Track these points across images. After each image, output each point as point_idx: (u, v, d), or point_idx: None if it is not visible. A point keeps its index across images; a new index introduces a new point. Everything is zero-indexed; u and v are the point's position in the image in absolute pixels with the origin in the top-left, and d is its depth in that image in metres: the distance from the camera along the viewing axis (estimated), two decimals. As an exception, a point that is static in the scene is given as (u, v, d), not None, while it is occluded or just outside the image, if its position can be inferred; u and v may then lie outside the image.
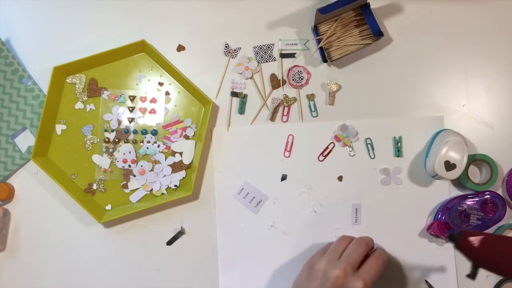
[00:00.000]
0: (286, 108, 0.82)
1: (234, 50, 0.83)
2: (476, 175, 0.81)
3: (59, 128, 0.82)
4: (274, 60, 0.83)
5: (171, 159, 0.81)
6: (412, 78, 0.82)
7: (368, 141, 0.81)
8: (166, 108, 0.82)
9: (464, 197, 0.78)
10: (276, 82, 0.82)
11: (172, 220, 0.82)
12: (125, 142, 0.81)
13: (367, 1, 0.78)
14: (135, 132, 0.82)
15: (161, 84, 0.82)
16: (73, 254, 0.82)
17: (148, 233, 0.82)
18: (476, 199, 0.78)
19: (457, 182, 0.81)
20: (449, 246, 0.80)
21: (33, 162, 0.78)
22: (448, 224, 0.77)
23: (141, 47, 0.81)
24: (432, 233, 0.78)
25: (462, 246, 0.60)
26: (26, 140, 0.82)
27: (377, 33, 0.77)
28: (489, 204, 0.77)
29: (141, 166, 0.81)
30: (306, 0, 0.83)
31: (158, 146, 0.81)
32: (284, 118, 0.82)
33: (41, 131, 0.79)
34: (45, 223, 0.82)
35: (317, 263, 0.67)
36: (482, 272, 0.79)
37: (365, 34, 0.80)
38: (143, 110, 0.82)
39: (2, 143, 0.82)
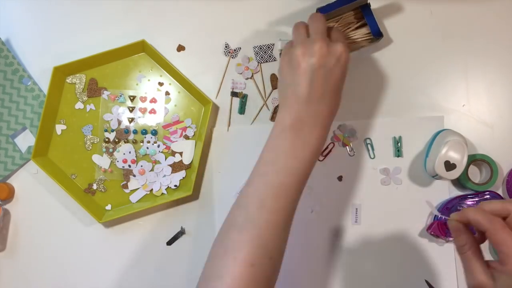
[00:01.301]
0: (286, 108, 0.82)
1: (234, 50, 0.83)
2: (476, 175, 0.81)
3: (59, 128, 0.82)
4: (274, 60, 0.83)
5: (171, 159, 0.81)
6: (412, 78, 0.82)
7: (368, 141, 0.81)
8: (166, 108, 0.82)
9: (464, 197, 0.78)
10: (276, 82, 0.82)
11: (172, 220, 0.82)
12: (125, 142, 0.81)
13: (368, 2, 0.78)
14: (135, 132, 0.82)
15: (161, 84, 0.82)
16: (73, 254, 0.82)
17: (148, 233, 0.82)
18: (476, 199, 0.77)
19: (457, 182, 0.81)
20: (449, 246, 0.80)
21: (33, 162, 0.78)
22: (448, 224, 0.77)
23: (141, 47, 0.81)
24: (432, 233, 0.78)
25: None
26: (26, 140, 0.82)
27: (377, 34, 0.77)
28: (489, 204, 0.77)
29: (141, 166, 0.81)
30: (306, 0, 0.83)
31: (158, 146, 0.81)
32: (284, 118, 0.82)
33: (41, 131, 0.79)
34: (45, 223, 0.82)
35: (293, 52, 0.61)
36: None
37: (365, 34, 0.80)
38: (143, 110, 0.82)
39: (2, 143, 0.82)
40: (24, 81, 0.82)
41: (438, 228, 0.77)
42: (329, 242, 0.80)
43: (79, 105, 0.82)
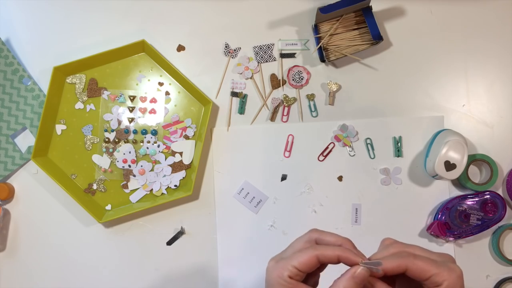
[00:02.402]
0: (286, 108, 0.82)
1: (234, 50, 0.83)
2: (476, 175, 0.81)
3: (59, 128, 0.82)
4: (274, 60, 0.83)
5: (171, 159, 0.81)
6: (412, 78, 0.82)
7: (368, 141, 0.81)
8: (166, 108, 0.82)
9: (464, 197, 0.78)
10: (276, 82, 0.82)
11: (172, 220, 0.82)
12: (125, 142, 0.81)
13: (370, 5, 0.77)
14: (135, 132, 0.82)
15: (161, 84, 0.82)
16: (73, 254, 0.82)
17: (148, 233, 0.82)
18: (476, 199, 0.77)
19: (457, 182, 0.81)
20: (449, 246, 0.80)
21: (33, 162, 0.78)
22: (448, 224, 0.77)
23: (141, 47, 0.81)
24: (432, 233, 0.78)
25: None
26: (26, 140, 0.82)
27: (377, 37, 0.76)
28: (489, 204, 0.77)
29: (141, 166, 0.80)
30: (306, 1, 0.83)
31: (158, 146, 0.81)
32: (284, 118, 0.82)
33: (41, 131, 0.79)
34: (45, 223, 0.82)
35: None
36: (482, 272, 0.80)
37: (365, 36, 0.80)
38: (143, 110, 0.82)
39: (2, 143, 0.82)
40: (24, 81, 0.82)
41: (438, 228, 0.77)
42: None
43: (79, 105, 0.82)
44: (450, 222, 0.77)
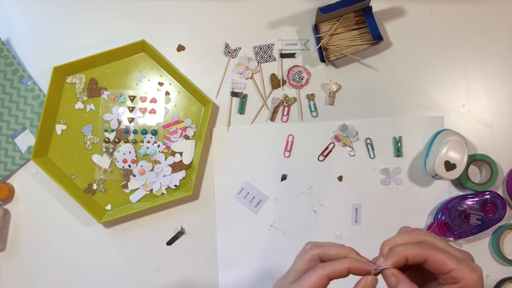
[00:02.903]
0: (286, 108, 0.82)
1: (234, 50, 0.83)
2: (476, 175, 0.81)
3: (59, 128, 0.82)
4: (274, 60, 0.83)
5: (171, 159, 0.81)
6: (412, 78, 0.82)
7: (368, 141, 0.81)
8: (166, 108, 0.82)
9: (464, 197, 0.78)
10: (276, 82, 0.82)
11: (172, 220, 0.82)
12: (125, 142, 0.81)
13: (370, 5, 0.77)
14: (135, 132, 0.82)
15: (161, 84, 0.82)
16: (73, 254, 0.82)
17: (148, 233, 0.82)
18: (476, 199, 0.77)
19: (457, 182, 0.81)
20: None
21: (33, 162, 0.78)
22: (448, 224, 0.77)
23: (141, 47, 0.81)
24: (432, 233, 0.78)
25: None
26: (26, 140, 0.82)
27: (377, 37, 0.76)
28: (489, 204, 0.77)
29: (141, 166, 0.80)
30: (306, 1, 0.83)
31: (158, 146, 0.81)
32: (284, 118, 0.82)
33: (41, 131, 0.79)
34: (45, 223, 0.82)
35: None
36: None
37: (365, 36, 0.80)
38: (143, 110, 0.82)
39: (2, 143, 0.82)
40: (24, 81, 0.82)
41: (438, 228, 0.77)
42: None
43: (79, 105, 0.82)
44: (450, 222, 0.77)
